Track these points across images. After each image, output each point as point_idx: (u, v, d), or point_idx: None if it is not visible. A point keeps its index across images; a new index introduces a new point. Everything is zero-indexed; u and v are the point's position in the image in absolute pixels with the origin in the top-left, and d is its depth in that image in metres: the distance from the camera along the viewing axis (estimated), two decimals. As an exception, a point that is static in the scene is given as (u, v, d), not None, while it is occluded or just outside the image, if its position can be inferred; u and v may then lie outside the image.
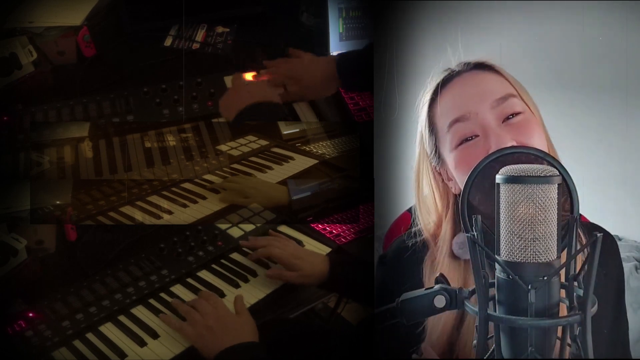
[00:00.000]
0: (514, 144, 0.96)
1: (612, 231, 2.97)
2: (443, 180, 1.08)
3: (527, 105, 1.01)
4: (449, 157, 1.03)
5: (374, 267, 1.31)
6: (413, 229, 1.12)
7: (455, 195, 1.06)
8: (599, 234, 0.75)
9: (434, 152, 1.06)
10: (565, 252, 0.80)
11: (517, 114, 1.00)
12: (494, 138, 0.97)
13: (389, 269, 1.19)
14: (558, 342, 0.79)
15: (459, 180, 1.02)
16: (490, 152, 0.94)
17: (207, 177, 1.60)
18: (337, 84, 1.62)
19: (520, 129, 0.98)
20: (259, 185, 1.59)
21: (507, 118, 0.99)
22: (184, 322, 1.25)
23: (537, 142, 0.99)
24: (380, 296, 1.21)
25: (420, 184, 1.10)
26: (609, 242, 1.13)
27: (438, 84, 1.04)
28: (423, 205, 1.10)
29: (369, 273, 1.32)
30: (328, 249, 1.50)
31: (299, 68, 1.62)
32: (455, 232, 1.05)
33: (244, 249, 1.49)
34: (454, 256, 1.04)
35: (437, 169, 1.08)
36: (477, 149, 0.98)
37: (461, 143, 1.00)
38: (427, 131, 1.06)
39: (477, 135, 0.99)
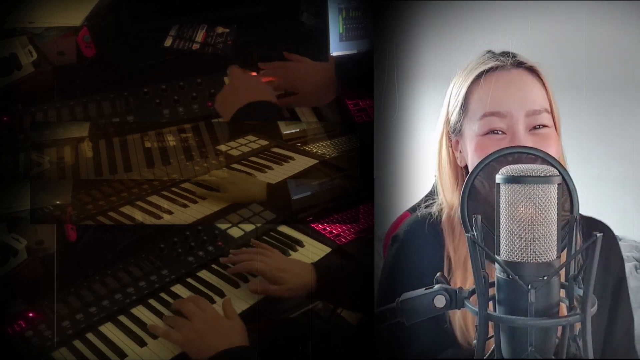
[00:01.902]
0: None
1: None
2: (452, 147, 1.16)
3: (554, 121, 1.09)
4: (473, 138, 1.09)
5: (370, 269, 1.31)
6: (422, 206, 1.20)
7: (461, 167, 1.15)
8: (598, 234, 0.75)
9: (457, 123, 1.13)
10: (565, 252, 0.79)
11: (544, 126, 1.07)
12: (517, 142, 1.04)
13: (403, 246, 1.22)
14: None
15: (471, 165, 1.10)
16: None
17: (207, 177, 1.60)
18: (337, 91, 1.63)
19: (542, 141, 1.06)
20: (237, 180, 1.59)
21: (535, 127, 1.07)
22: (171, 328, 1.24)
23: (553, 154, 1.02)
24: (391, 277, 1.23)
25: (442, 151, 1.17)
26: (607, 235, 1.16)
27: (484, 70, 1.10)
28: (444, 172, 1.17)
29: (361, 278, 1.32)
30: (328, 249, 1.50)
31: (298, 76, 1.62)
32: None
33: (226, 264, 1.46)
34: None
35: (452, 137, 1.15)
36: (500, 144, 1.05)
37: (488, 133, 1.07)
38: (459, 105, 1.12)
39: (504, 133, 1.06)
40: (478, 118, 1.08)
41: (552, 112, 1.09)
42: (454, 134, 1.14)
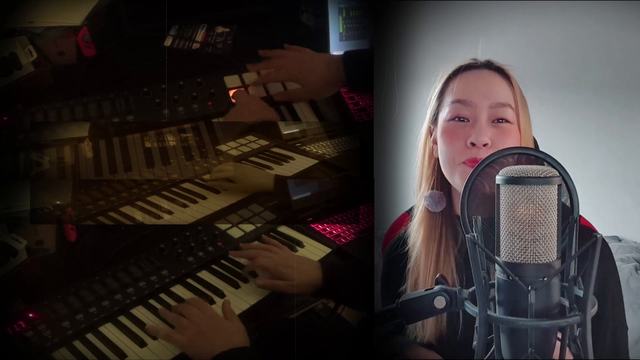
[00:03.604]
0: (489, 142, 1.11)
1: (612, 232, 2.98)
2: (431, 139, 1.23)
3: (518, 120, 1.16)
4: (441, 124, 1.19)
5: (370, 269, 1.33)
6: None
7: (435, 158, 1.21)
8: (598, 235, 0.75)
9: (434, 114, 1.22)
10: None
11: (506, 121, 1.14)
12: (477, 129, 1.13)
13: (384, 263, 1.31)
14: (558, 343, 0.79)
15: (439, 147, 1.19)
16: (469, 139, 1.11)
17: (207, 177, 1.60)
18: (341, 84, 1.62)
19: (500, 134, 1.13)
20: (246, 170, 1.60)
21: (497, 120, 1.14)
22: (172, 329, 1.24)
23: None
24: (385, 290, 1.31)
25: (426, 144, 1.24)
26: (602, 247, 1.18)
27: (461, 67, 1.19)
28: (423, 164, 1.24)
29: (365, 277, 1.33)
30: (328, 250, 1.50)
31: (301, 65, 1.61)
32: (429, 189, 1.21)
33: (234, 258, 1.47)
34: (428, 210, 1.20)
35: (431, 128, 1.23)
36: (462, 130, 1.14)
37: (453, 119, 1.16)
38: (436, 96, 1.21)
39: (468, 120, 1.15)
40: (447, 104, 1.18)
41: (517, 111, 1.16)
42: (432, 125, 1.23)
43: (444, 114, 1.18)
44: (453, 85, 1.18)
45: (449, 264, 1.16)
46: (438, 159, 1.20)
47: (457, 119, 1.15)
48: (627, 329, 1.17)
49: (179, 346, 1.22)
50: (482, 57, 1.21)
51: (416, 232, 1.21)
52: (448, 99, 1.18)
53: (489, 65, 1.19)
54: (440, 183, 1.21)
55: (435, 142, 1.21)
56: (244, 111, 1.57)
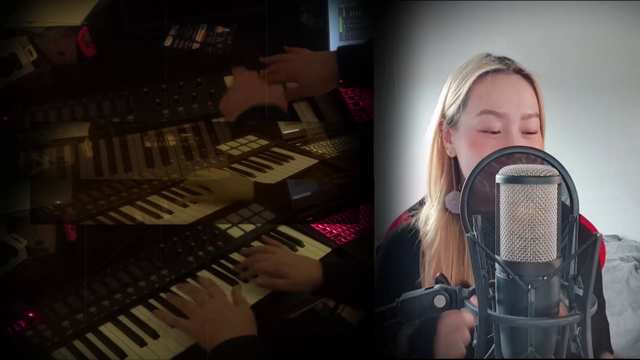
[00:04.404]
0: None
1: (612, 231, 2.98)
2: (442, 138, 1.21)
3: (541, 125, 1.15)
4: (468, 132, 1.15)
5: (371, 269, 1.32)
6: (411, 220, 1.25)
7: (450, 157, 1.20)
8: (598, 234, 0.75)
9: (454, 116, 1.18)
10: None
11: (533, 132, 1.14)
12: (510, 142, 1.10)
13: (384, 258, 1.29)
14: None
15: (464, 158, 1.16)
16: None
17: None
18: (337, 79, 1.62)
19: (531, 145, 1.11)
20: (224, 179, 1.59)
21: (527, 132, 1.13)
22: (180, 317, 1.25)
23: None
24: (380, 287, 1.29)
25: (434, 142, 1.22)
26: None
27: (489, 70, 1.16)
28: (433, 161, 1.23)
29: (365, 277, 1.33)
30: (328, 249, 1.50)
31: (298, 65, 1.62)
32: (448, 190, 1.20)
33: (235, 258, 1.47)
34: (447, 211, 1.18)
35: (443, 128, 1.20)
36: (494, 142, 1.12)
37: (484, 130, 1.13)
38: (460, 99, 1.17)
39: (499, 132, 1.12)
40: (477, 114, 1.14)
41: (540, 118, 1.15)
42: (449, 126, 1.19)
43: (471, 121, 1.15)
44: (480, 90, 1.15)
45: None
46: (453, 158, 1.19)
47: (488, 130, 1.12)
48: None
49: (186, 331, 1.23)
50: (493, 54, 1.19)
51: (434, 234, 1.19)
52: (476, 105, 1.14)
53: (519, 72, 1.16)
54: (456, 183, 1.20)
55: (449, 141, 1.20)
56: (244, 90, 1.56)
